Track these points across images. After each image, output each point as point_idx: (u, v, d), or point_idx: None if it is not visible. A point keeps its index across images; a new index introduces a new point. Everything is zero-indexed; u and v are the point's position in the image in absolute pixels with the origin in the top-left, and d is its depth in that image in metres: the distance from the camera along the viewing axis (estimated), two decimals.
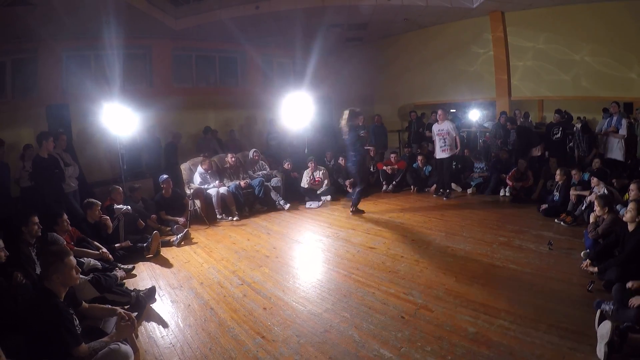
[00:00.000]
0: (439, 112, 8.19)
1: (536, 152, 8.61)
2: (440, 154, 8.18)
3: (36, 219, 4.15)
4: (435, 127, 8.21)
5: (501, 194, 8.26)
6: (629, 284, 3.40)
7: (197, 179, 7.83)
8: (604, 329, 2.88)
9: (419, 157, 9.58)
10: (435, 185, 8.88)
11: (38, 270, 3.88)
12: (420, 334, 3.36)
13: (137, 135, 8.43)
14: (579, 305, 3.67)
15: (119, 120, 7.04)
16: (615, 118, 7.68)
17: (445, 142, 8.00)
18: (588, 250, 4.70)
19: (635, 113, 8.09)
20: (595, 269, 4.18)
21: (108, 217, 5.76)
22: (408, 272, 4.73)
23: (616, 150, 7.59)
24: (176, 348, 3.36)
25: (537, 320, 3.46)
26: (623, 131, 7.49)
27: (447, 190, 8.41)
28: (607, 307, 3.32)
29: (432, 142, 10.91)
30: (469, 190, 8.76)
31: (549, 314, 3.54)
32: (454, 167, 9.09)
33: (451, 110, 10.79)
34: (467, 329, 3.39)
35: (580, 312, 3.54)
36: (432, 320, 3.59)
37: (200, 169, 7.90)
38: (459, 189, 8.96)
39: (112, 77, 8.91)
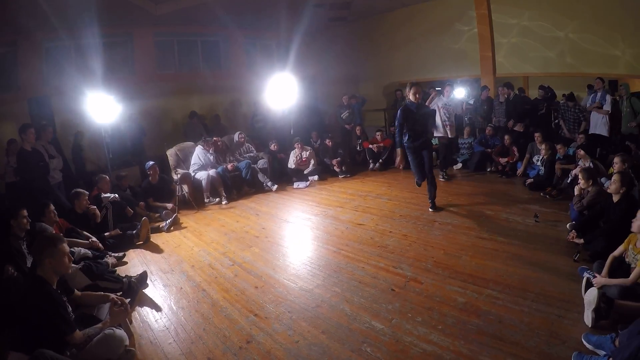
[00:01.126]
0: (447, 87, 8.13)
1: (520, 127, 8.66)
2: (443, 130, 7.85)
3: (25, 213, 4.11)
4: (441, 101, 7.89)
5: (487, 169, 8.34)
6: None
7: (203, 156, 7.86)
8: (591, 296, 2.95)
9: None
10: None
11: (29, 263, 3.87)
12: (410, 306, 3.42)
13: (121, 123, 8.37)
14: (566, 274, 3.74)
15: (103, 110, 6.94)
16: (599, 94, 7.70)
17: (449, 117, 7.80)
18: (574, 222, 4.77)
19: (619, 90, 8.13)
20: (581, 240, 4.24)
21: (96, 207, 5.71)
22: (397, 246, 4.80)
23: (601, 126, 7.62)
24: (170, 331, 3.39)
25: (525, 289, 3.53)
26: (607, 107, 7.52)
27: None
28: (590, 275, 3.39)
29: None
30: (455, 167, 8.83)
31: (536, 283, 3.61)
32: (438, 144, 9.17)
33: (436, 89, 10.77)
34: (457, 299, 3.46)
35: (567, 281, 3.61)
36: (421, 292, 3.66)
37: (201, 149, 7.93)
38: None
39: (93, 66, 8.74)
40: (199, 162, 7.80)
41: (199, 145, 7.95)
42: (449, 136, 7.91)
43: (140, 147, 9.35)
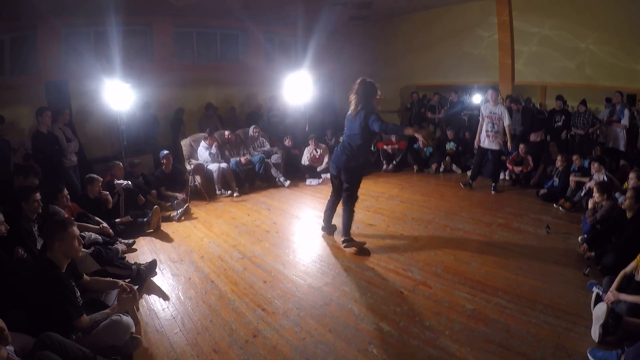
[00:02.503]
0: (491, 92, 7.26)
1: (535, 137, 8.59)
2: (485, 140, 7.30)
3: (37, 196, 4.13)
4: (486, 108, 7.27)
5: (501, 177, 8.27)
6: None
7: (203, 153, 7.83)
8: (600, 311, 2.92)
9: None
10: (435, 165, 9.08)
11: (39, 245, 3.89)
12: (418, 309, 3.42)
13: (137, 111, 8.42)
14: (575, 287, 3.73)
15: (119, 97, 6.99)
16: (617, 108, 7.65)
17: (494, 127, 7.16)
18: (585, 235, 4.75)
19: (637, 104, 8.06)
20: (592, 254, 4.20)
21: (108, 193, 5.74)
22: (407, 249, 4.80)
23: (617, 140, 7.59)
24: (177, 320, 3.40)
25: (534, 300, 3.51)
26: (625, 121, 7.47)
27: (495, 183, 7.57)
28: (600, 290, 3.37)
29: (434, 124, 10.92)
30: (469, 172, 8.78)
31: (545, 295, 3.59)
32: (454, 149, 9.11)
33: (456, 93, 10.74)
34: (465, 306, 3.45)
35: (576, 294, 3.60)
36: (430, 296, 3.66)
37: (204, 143, 7.89)
38: (459, 171, 8.98)
39: (112, 53, 8.81)
40: (201, 159, 7.84)
41: (202, 141, 7.97)
42: (492, 148, 7.30)
43: (153, 136, 9.38)
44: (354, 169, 4.68)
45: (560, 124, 8.49)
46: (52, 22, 8.35)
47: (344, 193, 4.78)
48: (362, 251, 4.76)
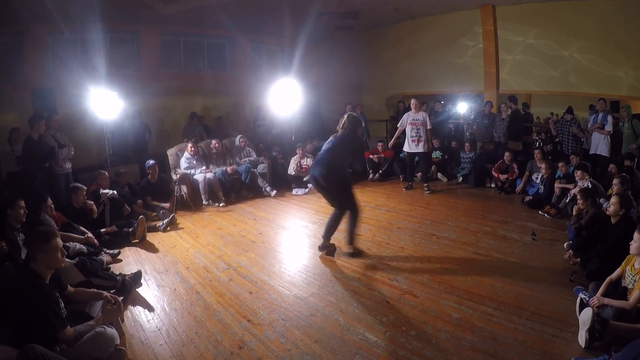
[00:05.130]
0: (413, 101, 8.00)
1: (514, 146, 8.68)
2: (410, 144, 7.99)
3: (22, 204, 4.09)
4: (408, 116, 7.95)
5: (486, 185, 8.34)
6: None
7: (183, 164, 7.77)
8: (585, 316, 2.93)
9: None
10: (420, 174, 9.00)
11: (23, 255, 3.83)
12: (405, 319, 3.40)
13: (123, 120, 8.36)
14: (562, 294, 3.74)
15: (106, 105, 6.94)
16: (601, 115, 7.74)
17: (418, 132, 7.79)
18: (571, 242, 4.77)
19: (621, 111, 8.19)
20: (578, 260, 4.24)
21: (93, 202, 5.68)
22: (393, 258, 4.79)
23: (602, 146, 7.66)
24: (162, 332, 3.36)
25: (520, 307, 3.51)
26: (609, 127, 7.57)
27: (426, 184, 8.15)
28: (585, 296, 3.39)
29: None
30: (455, 181, 8.85)
31: (531, 302, 3.60)
32: (440, 157, 9.16)
33: (441, 102, 10.81)
34: (451, 315, 3.44)
35: (562, 300, 3.60)
36: (416, 305, 3.64)
37: (186, 154, 7.84)
38: (445, 179, 9.05)
39: (98, 61, 8.78)
40: (185, 167, 7.81)
41: (185, 152, 7.94)
42: (419, 151, 7.97)
43: (143, 145, 9.33)
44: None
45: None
46: (39, 29, 8.33)
47: None
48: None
